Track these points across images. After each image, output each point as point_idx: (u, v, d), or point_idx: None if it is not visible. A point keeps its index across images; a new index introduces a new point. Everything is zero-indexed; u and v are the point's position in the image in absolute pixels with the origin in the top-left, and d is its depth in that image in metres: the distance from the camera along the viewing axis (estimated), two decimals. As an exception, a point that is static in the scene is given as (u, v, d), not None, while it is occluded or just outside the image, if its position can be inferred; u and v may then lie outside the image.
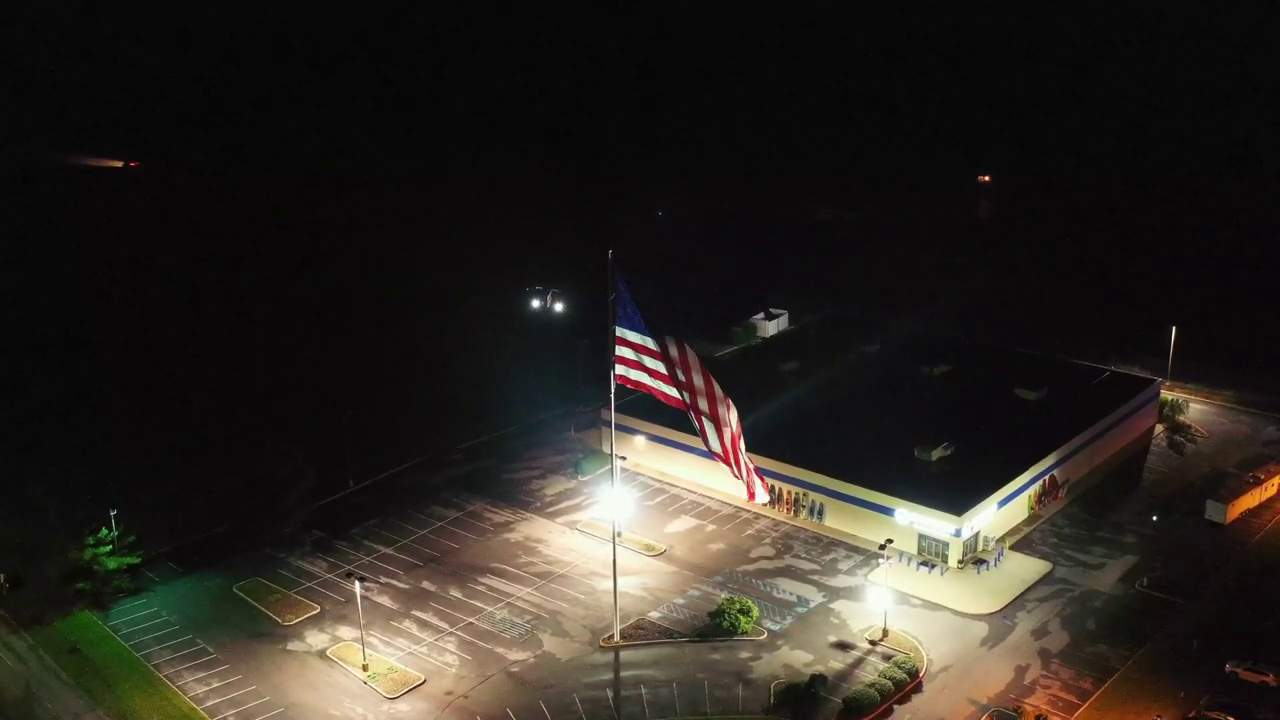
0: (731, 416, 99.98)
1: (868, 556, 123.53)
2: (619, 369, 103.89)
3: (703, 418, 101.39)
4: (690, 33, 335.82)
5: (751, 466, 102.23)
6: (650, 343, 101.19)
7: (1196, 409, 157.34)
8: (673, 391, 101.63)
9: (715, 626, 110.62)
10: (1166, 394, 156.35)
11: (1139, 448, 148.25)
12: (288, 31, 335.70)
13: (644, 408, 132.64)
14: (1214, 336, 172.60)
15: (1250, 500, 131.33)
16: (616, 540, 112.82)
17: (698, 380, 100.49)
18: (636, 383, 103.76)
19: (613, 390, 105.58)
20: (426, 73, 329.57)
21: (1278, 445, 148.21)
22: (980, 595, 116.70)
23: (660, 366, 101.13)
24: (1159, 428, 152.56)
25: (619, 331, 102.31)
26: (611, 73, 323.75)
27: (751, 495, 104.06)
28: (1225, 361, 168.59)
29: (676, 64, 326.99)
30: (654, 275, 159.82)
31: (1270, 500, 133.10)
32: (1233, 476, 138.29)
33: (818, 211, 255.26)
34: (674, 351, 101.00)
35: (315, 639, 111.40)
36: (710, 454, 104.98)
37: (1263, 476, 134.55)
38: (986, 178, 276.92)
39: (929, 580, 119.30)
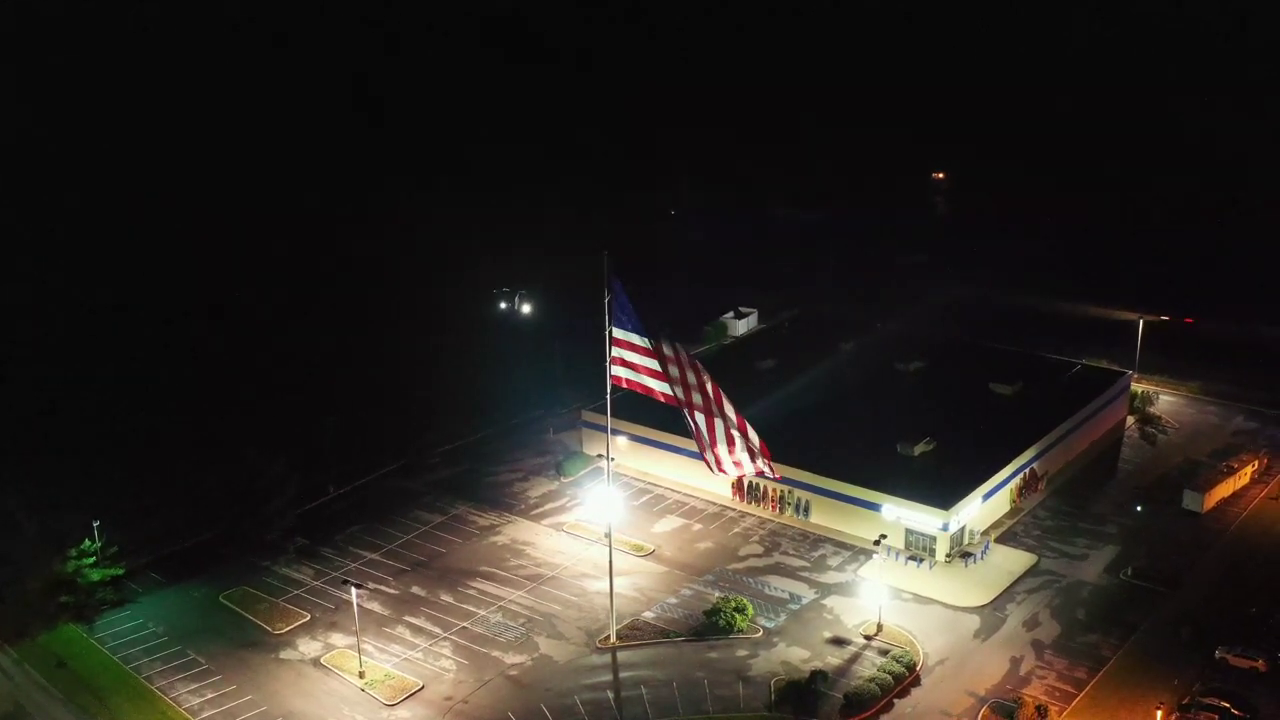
0: (729, 411, 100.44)
1: (856, 552, 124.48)
2: (615, 370, 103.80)
3: (698, 416, 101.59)
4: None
5: (760, 451, 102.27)
6: (647, 343, 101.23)
7: (1165, 400, 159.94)
8: (669, 390, 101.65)
9: (711, 625, 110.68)
10: (1136, 386, 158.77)
11: (1112, 440, 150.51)
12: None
13: (626, 407, 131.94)
14: (1178, 329, 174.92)
15: (1225, 489, 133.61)
16: (609, 541, 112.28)
17: (692, 379, 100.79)
18: (633, 383, 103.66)
19: (609, 391, 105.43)
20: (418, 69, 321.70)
21: (1247, 435, 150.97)
22: (970, 588, 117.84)
23: (657, 365, 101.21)
24: (1130, 419, 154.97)
25: (616, 333, 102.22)
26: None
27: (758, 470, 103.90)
28: (1191, 353, 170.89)
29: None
30: (646, 276, 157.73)
31: (1244, 489, 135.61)
32: (1206, 466, 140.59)
33: (774, 210, 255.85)
34: (668, 351, 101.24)
35: (308, 647, 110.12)
36: (701, 455, 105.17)
37: (1236, 466, 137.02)
38: (941, 175, 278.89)
39: (918, 574, 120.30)
